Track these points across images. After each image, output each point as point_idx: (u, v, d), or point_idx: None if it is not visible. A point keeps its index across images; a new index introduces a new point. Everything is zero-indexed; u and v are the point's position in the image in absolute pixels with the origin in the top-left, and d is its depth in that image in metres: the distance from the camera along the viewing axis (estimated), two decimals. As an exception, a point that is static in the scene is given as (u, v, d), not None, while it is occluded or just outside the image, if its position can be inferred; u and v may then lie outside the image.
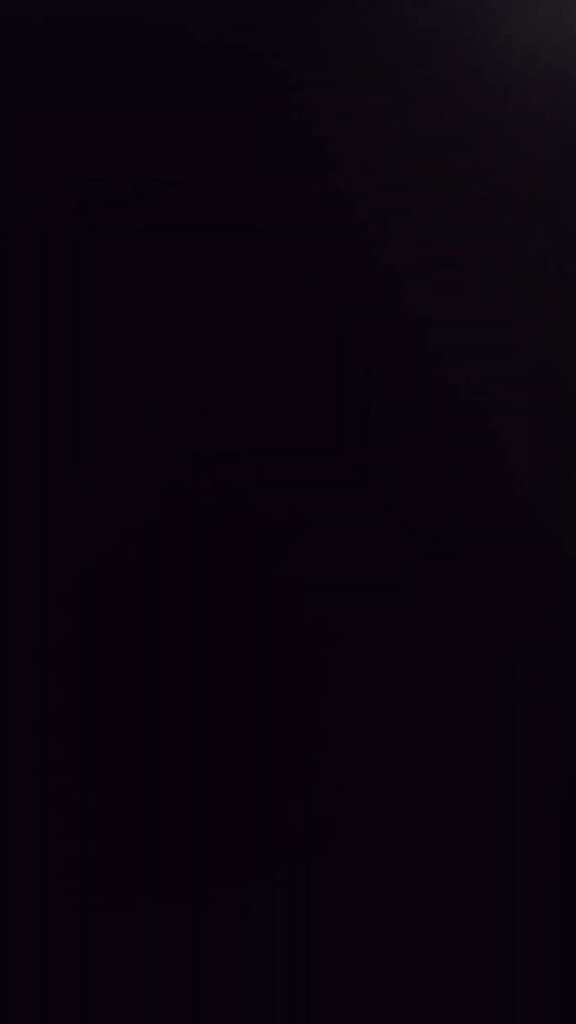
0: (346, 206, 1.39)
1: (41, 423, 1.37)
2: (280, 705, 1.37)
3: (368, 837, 1.37)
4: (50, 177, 1.38)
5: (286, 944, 1.36)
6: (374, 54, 1.40)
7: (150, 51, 1.39)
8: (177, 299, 1.38)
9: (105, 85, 1.39)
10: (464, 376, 1.39)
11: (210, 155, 1.39)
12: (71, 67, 1.39)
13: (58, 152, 1.39)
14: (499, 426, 1.39)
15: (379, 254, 1.40)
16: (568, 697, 1.37)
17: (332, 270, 1.39)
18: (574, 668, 1.37)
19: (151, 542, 1.37)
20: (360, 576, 1.37)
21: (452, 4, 1.40)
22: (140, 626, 1.37)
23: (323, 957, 1.36)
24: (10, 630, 1.36)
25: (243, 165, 1.39)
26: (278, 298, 1.39)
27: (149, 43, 1.39)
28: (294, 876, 1.36)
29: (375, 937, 1.37)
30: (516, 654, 1.37)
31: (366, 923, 1.37)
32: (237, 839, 1.36)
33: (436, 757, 1.37)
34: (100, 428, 1.38)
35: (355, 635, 1.37)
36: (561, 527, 1.38)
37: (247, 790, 1.36)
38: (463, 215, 1.40)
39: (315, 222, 1.39)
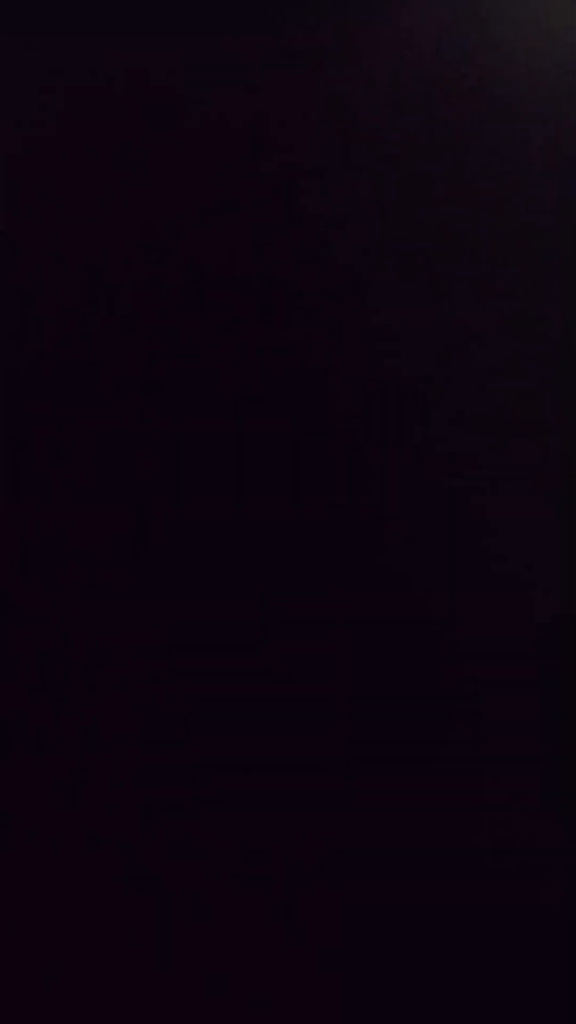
0: (339, 232, 1.39)
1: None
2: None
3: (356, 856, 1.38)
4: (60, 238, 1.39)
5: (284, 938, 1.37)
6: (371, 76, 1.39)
7: (148, 121, 1.39)
8: (185, 364, 1.39)
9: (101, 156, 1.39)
10: (460, 421, 1.39)
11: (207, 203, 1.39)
12: (73, 138, 1.39)
13: (64, 211, 1.39)
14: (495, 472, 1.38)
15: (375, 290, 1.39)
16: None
17: (326, 320, 1.38)
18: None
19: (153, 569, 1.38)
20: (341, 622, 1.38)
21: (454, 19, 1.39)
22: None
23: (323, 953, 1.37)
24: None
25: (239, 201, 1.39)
26: (275, 345, 1.39)
27: (148, 113, 1.39)
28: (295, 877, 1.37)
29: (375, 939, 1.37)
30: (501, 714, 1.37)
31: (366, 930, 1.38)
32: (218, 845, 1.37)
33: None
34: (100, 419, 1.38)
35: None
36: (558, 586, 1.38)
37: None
38: (463, 247, 1.39)
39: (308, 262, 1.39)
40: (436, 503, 1.38)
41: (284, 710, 1.36)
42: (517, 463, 1.38)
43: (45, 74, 1.38)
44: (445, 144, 1.39)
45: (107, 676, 1.37)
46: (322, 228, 1.39)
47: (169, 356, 1.38)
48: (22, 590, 1.37)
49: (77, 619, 1.37)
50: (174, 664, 1.37)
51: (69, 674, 1.37)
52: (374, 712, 1.37)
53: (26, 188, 1.39)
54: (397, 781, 1.37)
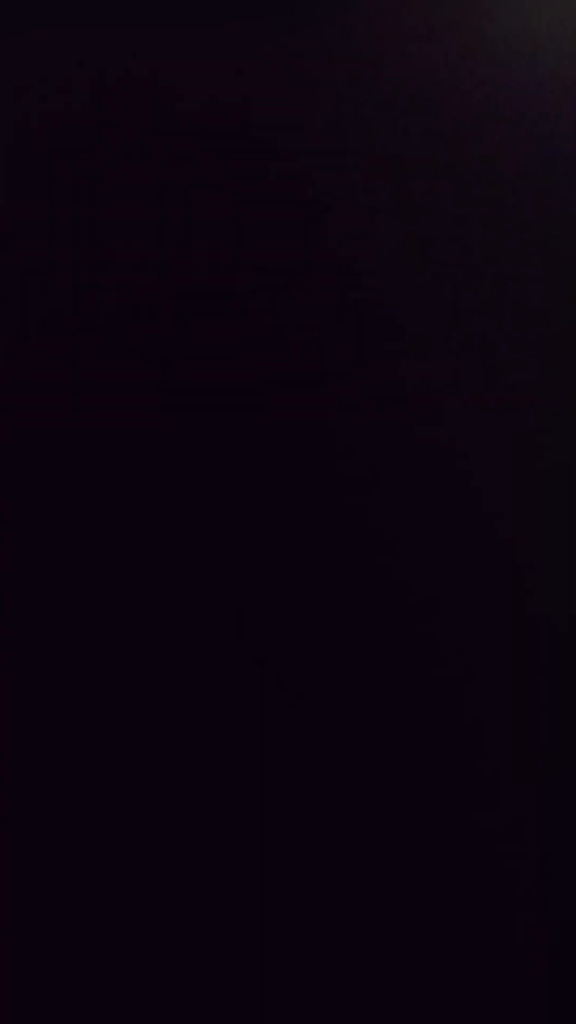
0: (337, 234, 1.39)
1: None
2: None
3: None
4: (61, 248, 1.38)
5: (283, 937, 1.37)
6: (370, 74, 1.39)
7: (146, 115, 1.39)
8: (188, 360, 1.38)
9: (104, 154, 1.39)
10: (460, 430, 1.38)
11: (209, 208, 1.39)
12: (71, 137, 1.39)
13: (63, 203, 1.39)
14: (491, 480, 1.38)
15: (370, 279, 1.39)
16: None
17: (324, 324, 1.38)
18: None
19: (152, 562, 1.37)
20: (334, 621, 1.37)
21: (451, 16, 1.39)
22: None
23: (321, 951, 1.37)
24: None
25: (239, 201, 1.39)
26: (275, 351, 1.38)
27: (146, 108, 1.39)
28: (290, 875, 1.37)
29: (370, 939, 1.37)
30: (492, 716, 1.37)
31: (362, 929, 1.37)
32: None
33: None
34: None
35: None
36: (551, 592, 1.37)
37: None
38: (463, 252, 1.39)
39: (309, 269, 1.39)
40: (435, 501, 1.38)
41: (283, 716, 1.36)
42: (518, 461, 1.38)
43: (42, 65, 1.38)
44: (444, 140, 1.40)
45: (105, 675, 1.36)
46: (319, 222, 1.39)
47: (167, 345, 1.38)
48: (18, 583, 1.37)
49: (75, 614, 1.37)
50: (171, 663, 1.37)
51: (65, 671, 1.36)
52: (374, 715, 1.37)
53: (24, 180, 1.39)
54: (395, 786, 1.37)
